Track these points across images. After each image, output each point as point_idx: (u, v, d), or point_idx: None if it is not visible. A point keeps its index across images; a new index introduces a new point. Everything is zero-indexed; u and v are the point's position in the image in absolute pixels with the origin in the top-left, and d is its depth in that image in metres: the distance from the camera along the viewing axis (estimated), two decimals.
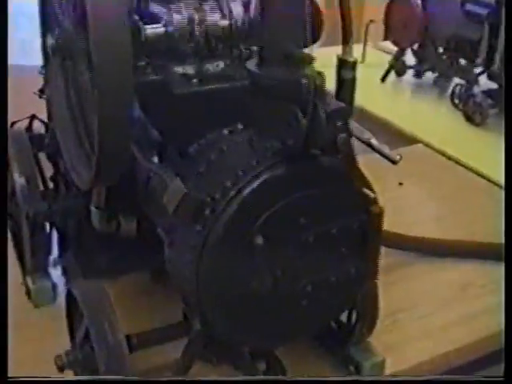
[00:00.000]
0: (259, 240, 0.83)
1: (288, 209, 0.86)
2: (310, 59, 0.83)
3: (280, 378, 0.99)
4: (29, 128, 1.53)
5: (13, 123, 1.50)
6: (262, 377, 1.00)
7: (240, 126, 0.97)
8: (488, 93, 2.01)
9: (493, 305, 1.24)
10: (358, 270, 0.94)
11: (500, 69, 1.95)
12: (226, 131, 0.96)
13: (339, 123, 0.82)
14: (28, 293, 1.27)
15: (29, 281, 1.27)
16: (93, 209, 1.16)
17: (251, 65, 0.87)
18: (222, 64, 0.98)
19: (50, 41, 0.91)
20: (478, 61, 2.02)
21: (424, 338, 1.18)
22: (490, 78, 2.04)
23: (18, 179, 1.25)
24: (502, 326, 0.91)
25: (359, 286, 0.98)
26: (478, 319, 1.24)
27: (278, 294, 0.90)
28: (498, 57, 1.95)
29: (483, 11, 1.99)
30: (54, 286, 1.28)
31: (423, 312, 1.24)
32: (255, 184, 0.84)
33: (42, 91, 1.31)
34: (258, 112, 0.89)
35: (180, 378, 1.15)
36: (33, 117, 1.54)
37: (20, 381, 1.15)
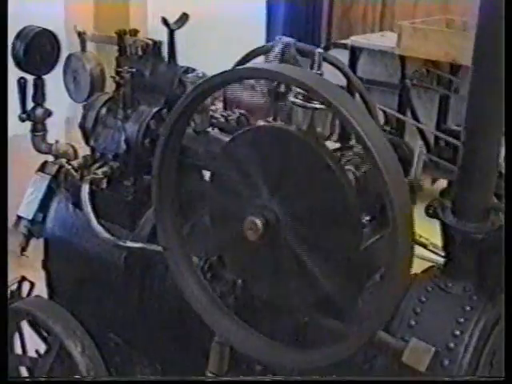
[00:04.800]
0: None
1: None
2: None
3: (280, 378, 1.02)
4: (18, 291, 1.34)
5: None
6: (262, 377, 1.04)
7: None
8: None
9: None
10: None
11: None
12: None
13: None
14: None
15: None
16: None
17: (449, 219, 0.95)
18: None
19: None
20: None
21: None
22: None
23: (80, 359, 1.15)
24: None
25: None
26: None
27: None
28: None
29: None
30: None
31: None
32: (477, 331, 0.94)
33: None
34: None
35: (179, 378, 1.13)
36: (22, 279, 1.35)
37: (20, 381, 1.11)
